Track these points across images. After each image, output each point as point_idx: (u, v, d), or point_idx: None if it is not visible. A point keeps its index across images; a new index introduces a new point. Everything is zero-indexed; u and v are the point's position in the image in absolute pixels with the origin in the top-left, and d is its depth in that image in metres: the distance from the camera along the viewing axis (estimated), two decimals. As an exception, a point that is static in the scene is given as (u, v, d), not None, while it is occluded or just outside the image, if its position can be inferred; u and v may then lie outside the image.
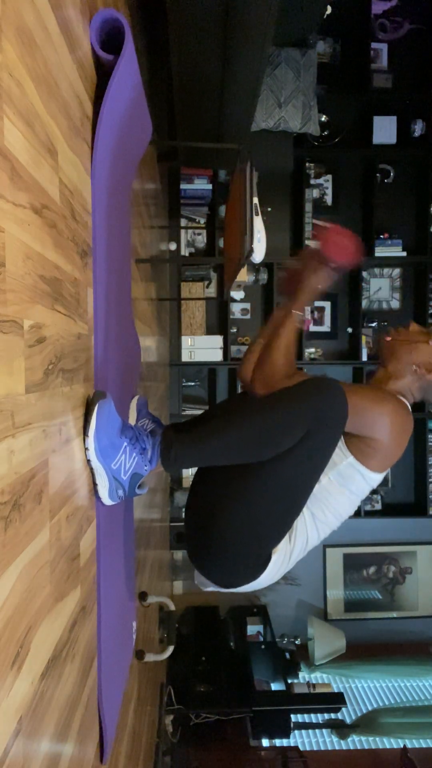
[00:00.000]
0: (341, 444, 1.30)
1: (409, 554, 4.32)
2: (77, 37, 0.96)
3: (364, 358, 4.03)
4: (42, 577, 0.76)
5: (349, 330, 4.15)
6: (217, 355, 4.02)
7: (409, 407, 1.39)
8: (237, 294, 4.11)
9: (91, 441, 1.02)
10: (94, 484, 1.11)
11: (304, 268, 1.35)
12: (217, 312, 4.13)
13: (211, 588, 1.38)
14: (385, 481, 4.20)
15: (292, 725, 3.13)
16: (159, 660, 2.03)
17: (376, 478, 1.34)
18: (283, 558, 1.35)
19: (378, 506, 4.20)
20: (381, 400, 1.28)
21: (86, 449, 1.04)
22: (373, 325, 4.14)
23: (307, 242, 4.02)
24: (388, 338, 1.47)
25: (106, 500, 1.13)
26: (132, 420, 1.44)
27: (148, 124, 1.50)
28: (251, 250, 2.21)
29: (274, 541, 1.30)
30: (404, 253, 4.02)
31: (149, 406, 1.59)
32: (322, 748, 3.37)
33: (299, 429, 1.15)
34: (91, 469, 1.09)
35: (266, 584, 1.36)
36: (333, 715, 3.44)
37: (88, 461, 1.06)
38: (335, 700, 3.22)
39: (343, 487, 1.33)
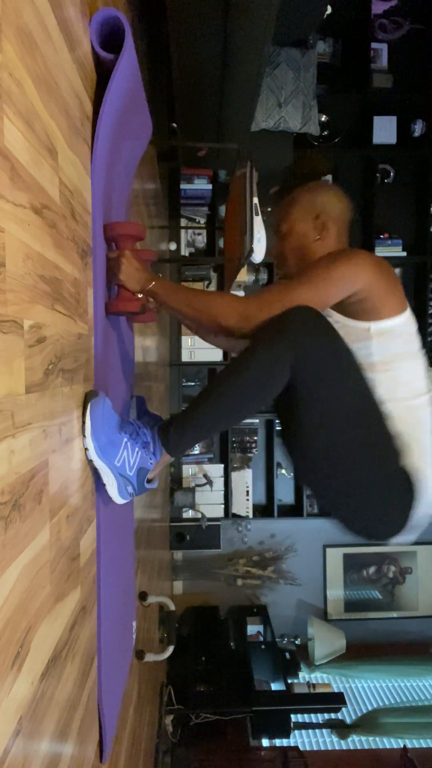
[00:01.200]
0: (354, 323, 1.21)
1: (409, 554, 4.32)
2: (77, 36, 0.96)
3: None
4: (42, 577, 0.76)
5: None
6: (217, 355, 4.02)
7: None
8: (237, 293, 4.11)
9: (89, 441, 1.01)
10: (102, 485, 1.10)
11: None
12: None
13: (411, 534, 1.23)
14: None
15: (292, 725, 3.13)
16: (159, 660, 2.03)
17: (404, 319, 1.23)
18: (423, 458, 1.21)
19: (378, 506, 4.20)
20: (337, 256, 1.19)
21: (86, 449, 1.03)
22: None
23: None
24: (273, 252, 1.36)
25: (117, 499, 1.11)
26: (132, 417, 1.42)
27: (148, 124, 1.50)
28: (251, 250, 2.21)
29: (389, 460, 1.19)
30: (404, 253, 4.02)
31: (149, 406, 1.60)
32: (322, 748, 3.37)
33: (279, 367, 1.08)
34: (96, 470, 1.07)
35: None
36: (333, 715, 3.44)
37: (91, 462, 1.05)
38: (335, 700, 3.22)
39: (396, 354, 1.22)
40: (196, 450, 4.14)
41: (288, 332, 1.08)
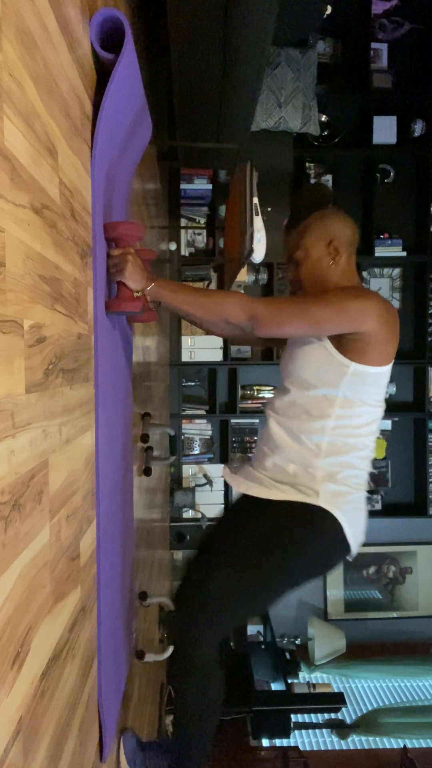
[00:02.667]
0: (339, 357, 1.28)
1: (409, 554, 4.32)
2: (77, 36, 0.96)
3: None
4: (42, 577, 0.76)
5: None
6: (217, 355, 4.02)
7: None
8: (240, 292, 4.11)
9: None
10: None
11: None
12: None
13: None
14: (385, 481, 4.20)
15: (292, 725, 3.13)
16: (159, 660, 2.03)
17: (383, 371, 1.32)
18: (348, 504, 1.31)
19: (378, 506, 4.20)
20: (358, 294, 1.27)
21: None
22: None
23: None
24: (292, 277, 1.43)
25: None
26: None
27: (148, 124, 1.50)
28: (251, 250, 2.21)
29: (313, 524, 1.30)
30: (404, 253, 4.02)
31: (149, 407, 1.60)
32: (322, 748, 3.37)
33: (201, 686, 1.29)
34: None
35: (360, 537, 1.34)
36: (333, 715, 3.44)
37: None
38: (335, 700, 3.22)
39: (359, 398, 1.30)
40: (196, 450, 4.14)
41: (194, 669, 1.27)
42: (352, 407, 1.30)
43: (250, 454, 4.17)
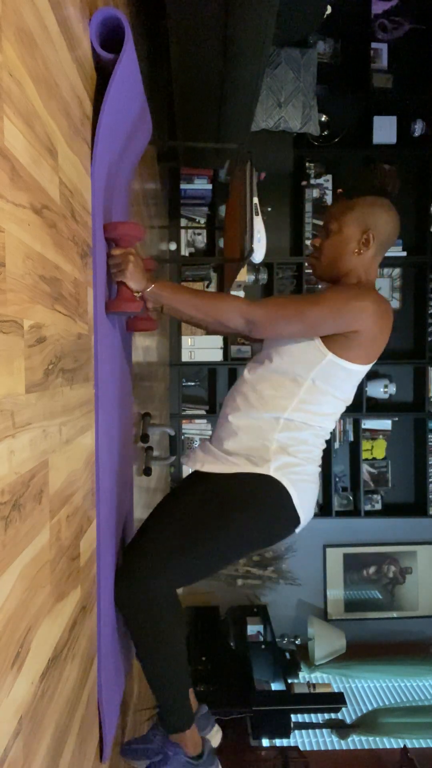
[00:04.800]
0: (319, 344, 1.28)
1: (409, 554, 4.32)
2: (77, 36, 0.96)
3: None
4: (42, 577, 0.76)
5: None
6: (217, 355, 4.02)
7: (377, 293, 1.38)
8: (237, 294, 4.11)
9: None
10: None
11: None
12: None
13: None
14: (385, 481, 4.20)
15: (292, 725, 3.13)
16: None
17: (359, 370, 1.33)
18: (297, 475, 1.32)
19: (378, 506, 4.20)
20: (355, 294, 1.26)
21: None
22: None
23: (307, 242, 4.03)
24: (317, 243, 1.42)
25: None
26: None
27: (148, 124, 1.50)
28: (251, 250, 2.21)
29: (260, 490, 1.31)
30: (404, 253, 4.02)
31: (149, 406, 1.60)
32: (323, 748, 3.37)
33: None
34: None
35: (309, 509, 1.36)
36: (333, 715, 3.44)
37: None
38: (335, 700, 3.22)
39: (327, 388, 1.32)
40: (196, 450, 4.14)
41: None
42: (318, 394, 1.32)
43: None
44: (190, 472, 1.44)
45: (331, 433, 1.42)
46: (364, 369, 1.33)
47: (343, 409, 1.39)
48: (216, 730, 1.44)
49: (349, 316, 1.24)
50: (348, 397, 1.38)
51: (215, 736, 1.43)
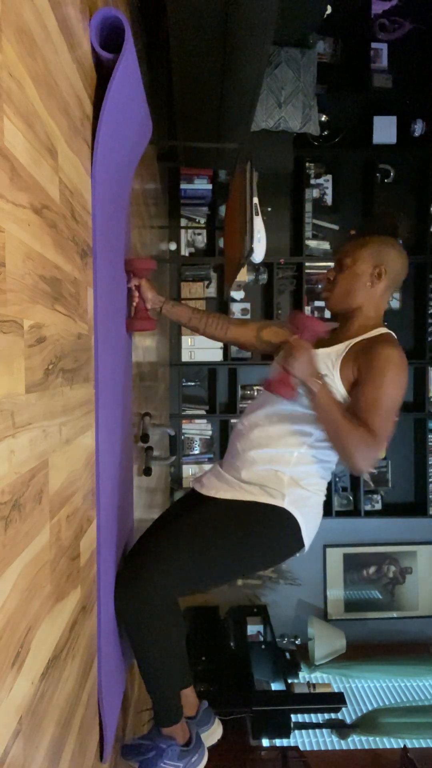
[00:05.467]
0: (337, 377, 1.35)
1: (409, 554, 4.32)
2: (77, 36, 0.96)
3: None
4: (42, 577, 0.76)
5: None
6: (217, 355, 4.02)
7: (389, 332, 1.44)
8: (237, 294, 4.11)
9: None
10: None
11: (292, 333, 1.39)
12: (217, 311, 4.13)
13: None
14: (385, 481, 4.20)
15: (292, 725, 3.13)
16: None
17: None
18: (308, 507, 1.40)
19: (378, 506, 4.20)
20: (388, 382, 1.30)
21: None
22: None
23: (306, 242, 4.02)
24: (331, 277, 1.49)
25: None
26: None
27: (148, 124, 1.50)
28: (251, 250, 2.21)
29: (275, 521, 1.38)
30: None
31: (149, 407, 1.61)
32: (323, 748, 3.37)
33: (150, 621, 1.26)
34: None
35: (312, 535, 1.44)
36: (333, 715, 3.44)
37: None
38: (335, 700, 3.22)
39: None
40: (196, 450, 4.14)
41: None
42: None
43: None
44: (191, 491, 1.51)
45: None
46: None
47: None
48: (217, 724, 1.51)
49: (402, 385, 1.32)
50: None
51: (216, 731, 1.50)
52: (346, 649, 3.92)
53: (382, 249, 1.44)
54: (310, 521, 1.40)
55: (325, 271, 1.58)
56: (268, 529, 1.36)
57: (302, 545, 1.41)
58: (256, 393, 4.12)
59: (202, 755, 1.38)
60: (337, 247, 4.01)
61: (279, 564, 1.51)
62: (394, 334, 1.44)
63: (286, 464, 1.38)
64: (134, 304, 1.52)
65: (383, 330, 1.43)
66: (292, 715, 3.16)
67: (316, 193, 4.06)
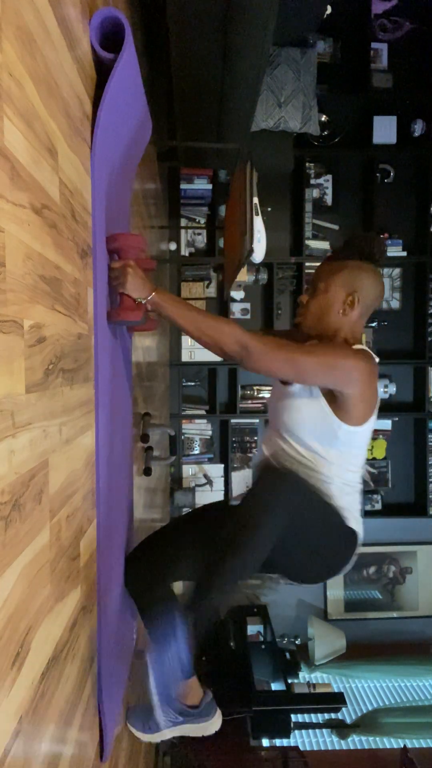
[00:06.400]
0: (332, 416, 1.37)
1: (409, 554, 4.32)
2: (77, 36, 0.96)
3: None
4: (42, 577, 0.76)
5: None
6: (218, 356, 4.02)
7: (364, 348, 1.43)
8: (237, 294, 4.11)
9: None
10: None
11: None
12: (217, 312, 4.13)
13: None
14: (385, 481, 4.20)
15: (292, 725, 3.13)
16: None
17: (368, 428, 1.41)
18: (353, 515, 1.46)
19: (378, 506, 4.20)
20: (347, 354, 1.32)
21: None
22: (373, 324, 4.13)
23: (306, 242, 4.03)
24: (304, 301, 1.49)
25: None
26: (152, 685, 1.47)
27: (148, 124, 1.50)
28: (251, 250, 2.21)
29: (340, 526, 1.42)
30: (404, 253, 4.02)
31: (149, 406, 1.61)
32: (323, 748, 3.37)
33: (275, 532, 1.27)
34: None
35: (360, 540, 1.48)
36: (333, 715, 3.44)
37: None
38: (335, 700, 3.22)
39: (351, 448, 1.42)
40: (196, 450, 4.14)
41: (281, 504, 1.28)
42: (346, 457, 1.43)
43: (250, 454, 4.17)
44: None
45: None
46: (371, 422, 1.41)
47: (365, 454, 1.51)
48: (218, 715, 1.52)
49: (339, 374, 1.30)
50: (364, 446, 1.47)
51: (216, 722, 1.52)
52: (346, 649, 3.92)
53: (357, 275, 1.42)
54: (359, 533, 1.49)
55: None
56: (337, 538, 1.46)
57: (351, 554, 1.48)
58: (256, 393, 4.12)
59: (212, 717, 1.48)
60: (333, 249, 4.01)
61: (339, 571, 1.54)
62: (373, 354, 1.43)
63: (329, 497, 1.46)
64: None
65: (361, 347, 1.43)
66: (292, 715, 3.16)
67: (316, 193, 4.06)
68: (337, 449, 1.40)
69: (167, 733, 1.46)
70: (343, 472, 1.43)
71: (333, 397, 1.36)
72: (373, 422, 1.43)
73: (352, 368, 1.30)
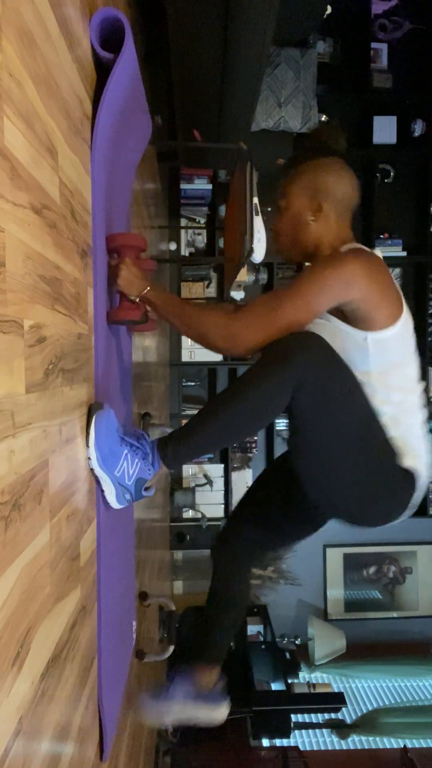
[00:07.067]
0: (352, 331, 1.18)
1: (409, 554, 4.32)
2: (77, 36, 0.96)
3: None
4: (42, 577, 0.76)
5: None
6: (217, 355, 4.02)
7: (358, 246, 1.26)
8: (237, 294, 4.11)
9: (91, 451, 1.05)
10: (101, 491, 1.14)
11: None
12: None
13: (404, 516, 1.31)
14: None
15: (292, 725, 3.13)
16: (159, 660, 2.03)
17: (401, 327, 1.22)
18: (414, 452, 1.24)
19: (378, 506, 4.20)
20: (329, 264, 1.16)
21: (88, 459, 1.06)
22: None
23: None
24: (272, 227, 1.35)
25: (114, 504, 1.17)
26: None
27: (148, 123, 1.50)
28: (251, 250, 2.21)
29: (390, 456, 1.22)
30: (404, 253, 4.02)
31: (149, 406, 1.61)
32: (323, 748, 3.37)
33: (281, 396, 1.11)
34: (96, 477, 1.11)
35: (428, 477, 1.27)
36: (333, 715, 3.44)
37: (92, 470, 1.09)
38: (335, 700, 3.22)
39: (391, 362, 1.21)
40: (194, 459, 4.13)
41: (292, 359, 1.10)
42: (389, 374, 1.21)
43: (250, 454, 4.17)
44: None
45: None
46: (403, 321, 1.22)
47: (416, 364, 1.28)
48: (227, 705, 1.49)
49: (335, 287, 1.14)
50: (410, 354, 1.27)
51: (224, 711, 1.49)
52: (346, 649, 3.92)
53: (315, 175, 1.27)
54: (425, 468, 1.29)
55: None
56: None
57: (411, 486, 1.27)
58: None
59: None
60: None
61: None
62: (366, 248, 1.25)
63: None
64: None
65: (352, 245, 1.26)
66: (292, 715, 3.16)
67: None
68: (376, 367, 1.19)
69: (176, 710, 1.39)
70: (392, 394, 1.21)
71: (342, 312, 1.19)
72: (406, 321, 1.23)
73: (344, 275, 1.13)
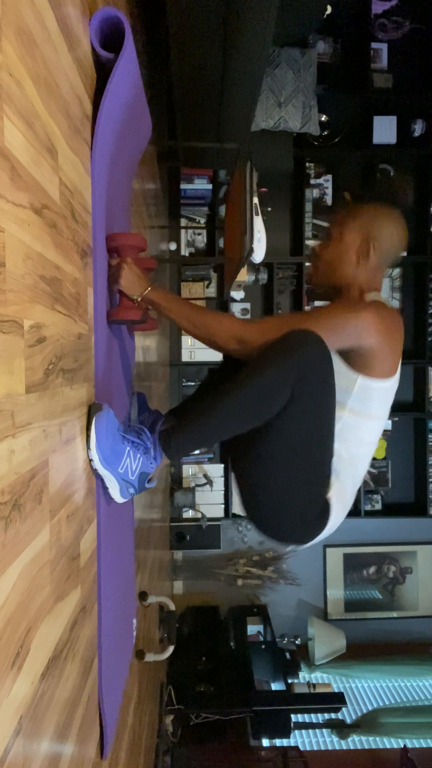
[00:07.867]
0: (345, 368, 1.25)
1: (409, 554, 4.32)
2: (77, 36, 0.96)
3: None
4: (42, 577, 0.76)
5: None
6: (217, 355, 4.02)
7: (382, 300, 1.30)
8: (237, 294, 4.11)
9: (93, 453, 1.06)
10: (105, 488, 1.15)
11: None
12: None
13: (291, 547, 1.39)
14: (385, 481, 4.20)
15: (292, 725, 3.13)
16: (159, 660, 2.03)
17: (390, 385, 1.28)
18: (340, 499, 1.32)
19: (378, 506, 4.20)
20: (352, 309, 1.21)
21: (91, 461, 1.07)
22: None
23: (307, 242, 4.03)
24: (317, 249, 1.38)
25: (119, 499, 1.18)
26: (133, 415, 1.46)
27: (148, 123, 1.50)
28: (251, 250, 2.21)
29: (321, 488, 1.28)
30: (404, 253, 4.02)
31: (149, 406, 1.61)
32: (323, 748, 3.37)
33: (284, 386, 1.13)
34: (99, 476, 1.12)
35: (336, 525, 1.35)
36: (333, 715, 3.44)
37: (95, 470, 1.09)
38: (335, 700, 3.22)
39: (366, 411, 1.28)
40: (197, 450, 4.14)
41: (298, 354, 1.12)
42: (360, 418, 1.29)
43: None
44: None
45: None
46: (393, 380, 1.29)
47: (382, 427, 1.35)
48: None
49: (350, 332, 1.19)
50: (383, 414, 1.33)
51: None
52: (346, 649, 3.92)
53: (375, 220, 1.30)
54: (339, 514, 1.35)
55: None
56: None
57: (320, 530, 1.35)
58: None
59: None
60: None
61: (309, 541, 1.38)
62: (388, 304, 1.28)
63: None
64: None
65: (378, 297, 1.30)
66: (292, 715, 3.16)
67: (316, 193, 4.06)
68: (351, 406, 1.26)
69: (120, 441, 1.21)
70: (353, 442, 1.28)
71: (345, 352, 1.24)
72: (395, 382, 1.29)
73: (361, 323, 1.18)
